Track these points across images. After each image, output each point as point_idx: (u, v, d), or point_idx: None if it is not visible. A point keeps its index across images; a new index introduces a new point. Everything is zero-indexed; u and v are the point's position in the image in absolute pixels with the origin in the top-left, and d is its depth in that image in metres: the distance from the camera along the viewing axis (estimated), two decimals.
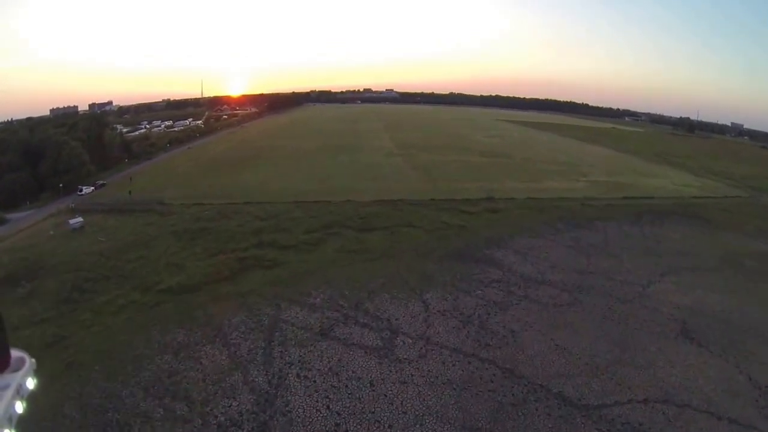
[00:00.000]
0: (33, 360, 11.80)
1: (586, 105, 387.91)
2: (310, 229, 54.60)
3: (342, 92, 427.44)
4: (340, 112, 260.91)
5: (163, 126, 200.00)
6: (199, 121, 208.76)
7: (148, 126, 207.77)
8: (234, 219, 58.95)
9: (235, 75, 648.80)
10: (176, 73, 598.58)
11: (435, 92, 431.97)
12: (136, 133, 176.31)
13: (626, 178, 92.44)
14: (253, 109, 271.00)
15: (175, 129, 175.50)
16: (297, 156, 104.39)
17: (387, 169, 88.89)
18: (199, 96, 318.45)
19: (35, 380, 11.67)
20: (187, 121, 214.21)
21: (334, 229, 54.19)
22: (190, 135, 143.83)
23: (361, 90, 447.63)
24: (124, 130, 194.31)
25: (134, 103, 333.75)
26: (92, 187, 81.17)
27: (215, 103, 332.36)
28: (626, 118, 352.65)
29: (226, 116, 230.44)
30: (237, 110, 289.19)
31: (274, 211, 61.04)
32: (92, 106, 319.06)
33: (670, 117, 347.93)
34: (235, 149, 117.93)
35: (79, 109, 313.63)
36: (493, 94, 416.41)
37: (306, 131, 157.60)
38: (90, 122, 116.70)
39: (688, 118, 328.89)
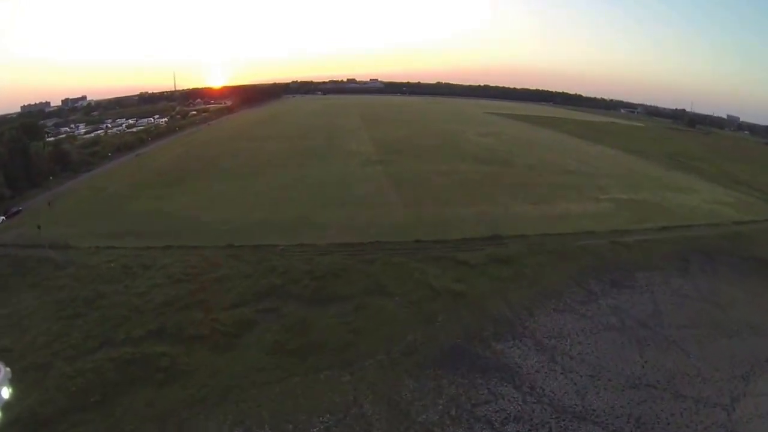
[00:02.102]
0: (8, 369, 12.22)
1: (579, 96, 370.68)
2: (238, 299, 38.27)
3: (324, 83, 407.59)
4: (319, 105, 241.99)
5: (124, 125, 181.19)
6: (164, 119, 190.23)
7: (110, 125, 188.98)
8: (141, 279, 42.36)
9: (216, 67, 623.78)
10: (157, 66, 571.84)
11: (421, 82, 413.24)
12: (93, 134, 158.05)
13: (651, 194, 76.86)
14: (228, 103, 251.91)
15: (134, 130, 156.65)
16: (255, 166, 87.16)
17: (361, 187, 71.72)
18: (172, 89, 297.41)
19: (10, 390, 11.98)
20: (152, 119, 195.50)
21: (271, 300, 37.92)
22: (143, 138, 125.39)
23: (345, 80, 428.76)
24: (83, 131, 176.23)
25: (110, 97, 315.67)
26: (2, 217, 64.32)
27: (190, 96, 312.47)
28: (621, 111, 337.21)
29: (195, 112, 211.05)
30: (212, 103, 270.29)
31: (197, 265, 44.26)
32: (65, 101, 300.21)
33: (665, 109, 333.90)
34: (188, 157, 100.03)
35: (52, 104, 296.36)
36: (482, 84, 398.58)
37: (276, 130, 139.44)
38: (18, 132, 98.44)
39: (684, 110, 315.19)
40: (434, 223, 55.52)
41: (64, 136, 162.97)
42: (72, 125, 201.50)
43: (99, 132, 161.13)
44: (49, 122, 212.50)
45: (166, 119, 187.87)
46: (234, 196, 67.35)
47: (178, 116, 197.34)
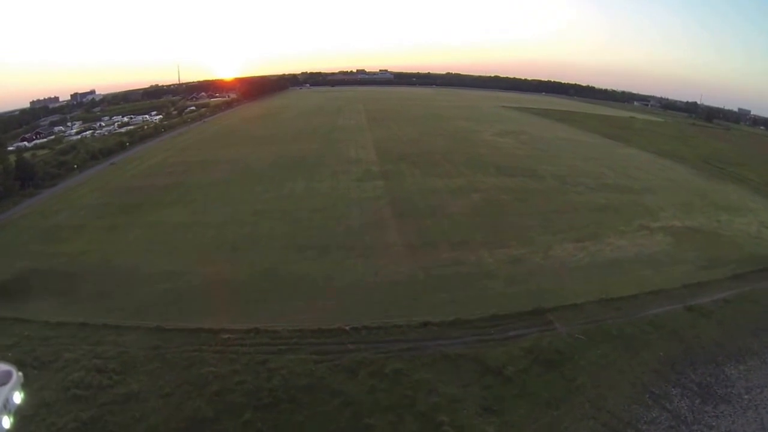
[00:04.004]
0: (20, 374, 12.12)
1: (592, 88, 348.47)
2: None
3: (333, 74, 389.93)
4: (324, 98, 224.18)
5: (115, 124, 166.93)
6: (159, 116, 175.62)
7: (104, 123, 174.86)
8: (29, 389, 27.63)
9: (227, 60, 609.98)
10: (172, 61, 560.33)
11: (431, 72, 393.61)
12: (79, 136, 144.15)
13: (705, 218, 60.87)
14: (232, 96, 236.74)
15: (122, 130, 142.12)
16: (229, 182, 70.84)
17: (354, 216, 54.94)
18: (177, 82, 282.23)
19: (22, 394, 11.96)
20: (148, 116, 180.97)
21: None
22: (124, 142, 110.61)
23: (355, 71, 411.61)
24: (74, 130, 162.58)
25: (117, 91, 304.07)
26: None
27: (195, 89, 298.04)
28: (635, 103, 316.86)
29: (194, 107, 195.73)
30: (216, 96, 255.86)
31: (106, 367, 28.47)
32: (74, 95, 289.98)
33: (677, 101, 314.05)
34: (160, 168, 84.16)
35: (61, 99, 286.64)
36: (493, 75, 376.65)
37: (269, 130, 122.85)
38: None
39: (695, 102, 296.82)
40: (449, 283, 39.02)
41: (53, 137, 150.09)
42: (69, 123, 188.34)
43: (86, 134, 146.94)
44: (44, 121, 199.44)
45: (161, 116, 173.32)
46: (191, 231, 51.35)
47: (175, 112, 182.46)
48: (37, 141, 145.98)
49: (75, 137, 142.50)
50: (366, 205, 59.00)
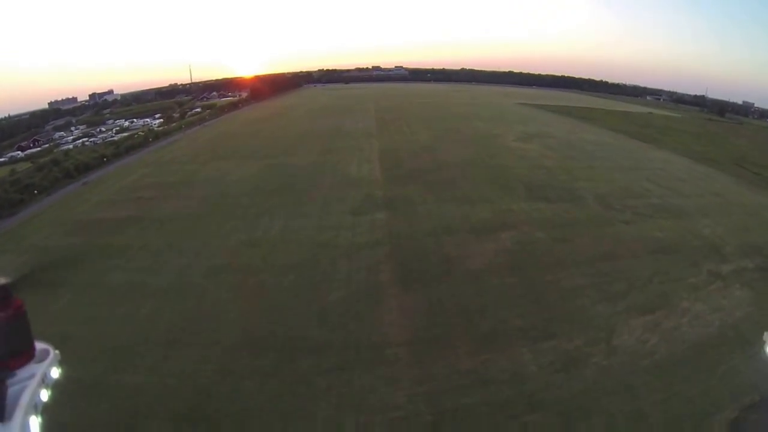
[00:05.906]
0: (57, 351, 11.55)
1: (605, 83, 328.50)
2: None
3: (348, 70, 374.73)
4: (335, 96, 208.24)
5: (114, 129, 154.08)
6: (160, 119, 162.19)
7: (104, 129, 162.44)
8: None
9: (244, 58, 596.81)
10: (188, 59, 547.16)
11: (446, 68, 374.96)
12: (71, 146, 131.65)
13: None
14: (242, 94, 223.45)
15: (115, 138, 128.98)
16: (197, 217, 55.08)
17: (338, 281, 38.24)
18: (188, 82, 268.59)
19: (59, 370, 11.43)
20: (149, 119, 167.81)
21: None
22: (105, 156, 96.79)
23: (370, 67, 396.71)
24: (71, 138, 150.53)
25: (137, 90, 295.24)
26: None
27: (208, 88, 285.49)
28: (648, 98, 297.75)
29: (199, 109, 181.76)
30: (228, 96, 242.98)
31: None
32: (92, 96, 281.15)
33: (684, 95, 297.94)
34: (131, 191, 69.17)
35: (79, 99, 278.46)
36: (506, 70, 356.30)
37: (266, 136, 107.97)
38: None
39: (703, 96, 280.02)
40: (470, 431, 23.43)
41: (47, 146, 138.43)
42: (72, 128, 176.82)
43: (78, 142, 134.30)
44: (50, 125, 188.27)
45: (156, 122, 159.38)
46: (126, 302, 36.33)
47: (177, 115, 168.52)
48: (32, 150, 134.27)
49: (69, 146, 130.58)
50: (359, 258, 42.61)
